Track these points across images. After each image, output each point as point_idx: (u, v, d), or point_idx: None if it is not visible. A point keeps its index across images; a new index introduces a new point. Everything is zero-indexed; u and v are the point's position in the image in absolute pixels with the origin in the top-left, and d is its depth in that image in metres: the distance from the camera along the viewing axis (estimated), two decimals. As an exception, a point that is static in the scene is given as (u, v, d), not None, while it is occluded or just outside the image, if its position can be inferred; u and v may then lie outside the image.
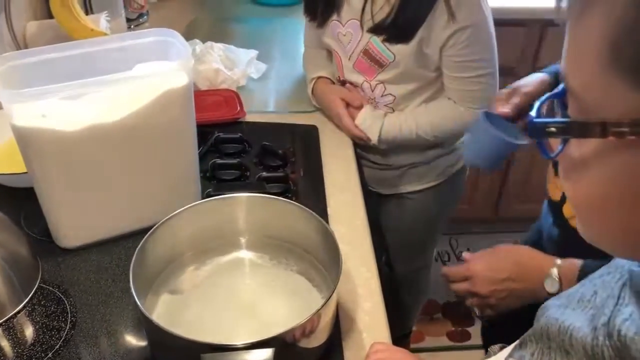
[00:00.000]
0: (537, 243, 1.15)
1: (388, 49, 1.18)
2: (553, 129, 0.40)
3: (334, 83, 1.34)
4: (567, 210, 0.91)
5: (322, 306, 0.72)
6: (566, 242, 0.93)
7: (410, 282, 1.68)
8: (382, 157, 1.38)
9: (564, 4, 0.39)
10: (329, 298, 0.73)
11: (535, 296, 0.86)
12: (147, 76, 0.86)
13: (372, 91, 1.26)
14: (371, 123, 1.26)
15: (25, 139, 0.83)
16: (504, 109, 1.07)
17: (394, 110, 1.28)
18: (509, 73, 2.06)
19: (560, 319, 0.50)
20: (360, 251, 0.99)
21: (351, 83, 1.29)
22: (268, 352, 0.67)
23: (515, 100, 1.07)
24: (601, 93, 0.37)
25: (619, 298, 0.45)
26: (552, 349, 0.51)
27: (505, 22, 1.91)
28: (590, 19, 0.36)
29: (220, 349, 0.67)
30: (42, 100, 0.81)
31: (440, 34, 1.15)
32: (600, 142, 0.37)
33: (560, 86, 0.43)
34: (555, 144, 0.42)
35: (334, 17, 1.24)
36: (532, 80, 1.11)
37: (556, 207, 0.96)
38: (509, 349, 0.60)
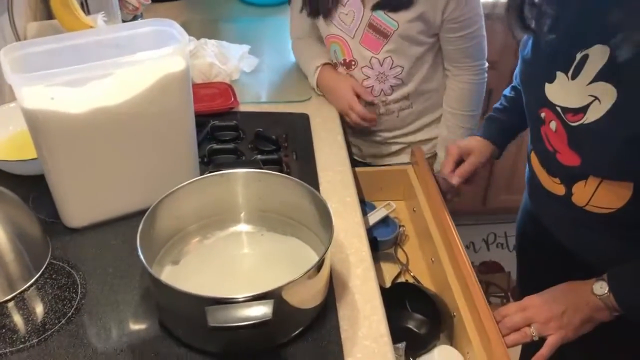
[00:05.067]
0: (532, 233, 1.21)
1: (391, 18, 1.28)
2: None
3: (335, 68, 1.42)
4: (577, 200, 0.95)
5: (316, 263, 0.78)
6: (586, 222, 0.97)
7: None
8: (387, 132, 1.49)
9: None
10: (322, 256, 0.79)
11: (593, 310, 0.92)
12: (146, 60, 0.91)
13: (381, 65, 1.35)
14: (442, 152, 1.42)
15: (35, 121, 0.88)
16: (453, 180, 1.24)
17: (403, 82, 1.37)
18: (491, 67, 2.15)
19: None
20: (351, 223, 1.05)
21: (359, 60, 1.37)
22: (268, 304, 0.72)
23: (464, 170, 1.23)
24: None
25: None
26: None
27: (488, 16, 1.99)
28: None
29: (222, 302, 0.72)
30: (49, 83, 0.86)
31: None
32: None
33: None
34: None
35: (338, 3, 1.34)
36: (478, 147, 1.24)
37: (564, 200, 0.98)
38: None
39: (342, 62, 1.40)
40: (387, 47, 1.32)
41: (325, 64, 1.42)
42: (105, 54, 0.91)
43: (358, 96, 1.37)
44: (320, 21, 1.38)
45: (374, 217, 1.25)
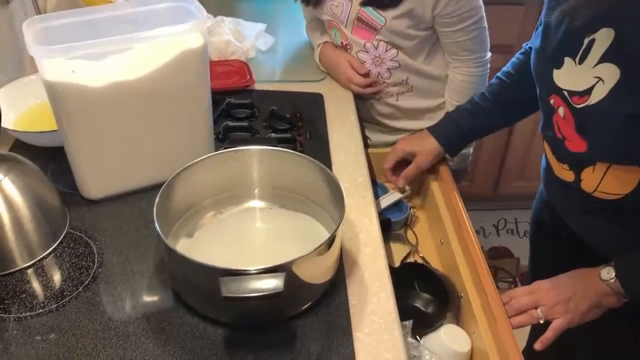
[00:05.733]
0: (547, 221, 1.22)
1: (379, 14, 1.28)
2: None
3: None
4: (586, 186, 0.96)
5: (328, 238, 0.80)
6: (595, 209, 0.98)
7: None
8: (391, 121, 1.49)
9: None
10: (335, 231, 0.81)
11: (601, 296, 0.93)
12: (165, 35, 0.93)
13: (376, 49, 1.35)
14: None
15: (55, 93, 0.90)
16: (399, 183, 1.26)
17: (400, 65, 1.37)
18: (508, 51, 2.14)
19: None
20: (362, 203, 1.06)
21: (354, 46, 1.38)
22: (279, 276, 0.74)
23: (408, 173, 1.25)
24: None
25: None
26: None
27: (506, 1, 1.98)
28: None
29: (236, 274, 0.74)
30: (70, 56, 0.88)
31: None
32: None
33: None
34: None
35: None
36: (424, 152, 1.24)
37: (574, 187, 0.98)
38: None
39: (340, 44, 1.42)
40: (378, 38, 1.33)
41: (327, 42, 1.45)
42: (124, 29, 0.93)
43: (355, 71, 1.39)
44: (317, 11, 1.39)
45: (385, 201, 1.27)
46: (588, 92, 0.86)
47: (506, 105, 1.20)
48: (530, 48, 1.15)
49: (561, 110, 0.93)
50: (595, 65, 0.85)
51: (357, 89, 1.39)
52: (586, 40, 0.85)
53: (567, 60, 0.90)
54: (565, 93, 0.91)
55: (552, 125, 0.97)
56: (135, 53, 0.93)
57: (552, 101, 0.95)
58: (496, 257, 2.34)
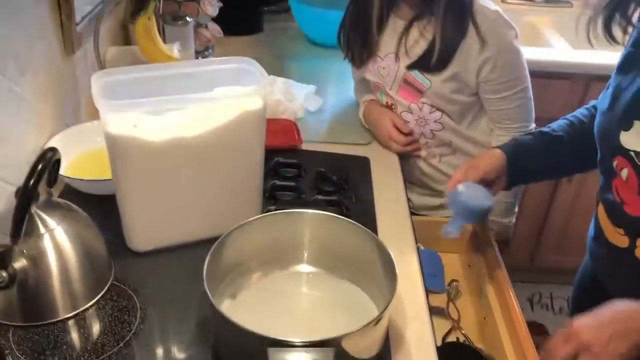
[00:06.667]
0: (591, 292, 1.17)
1: (425, 77, 1.30)
2: None
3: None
4: None
5: (380, 315, 0.78)
6: None
7: None
8: (435, 183, 1.48)
9: None
10: (386, 308, 0.79)
11: None
12: (226, 98, 0.95)
13: (421, 110, 1.37)
14: None
15: (116, 146, 0.91)
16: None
17: (444, 127, 1.37)
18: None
19: None
20: (408, 273, 1.04)
21: (398, 106, 1.40)
22: (328, 352, 0.72)
23: (472, 175, 1.12)
24: None
25: None
26: None
27: (552, 75, 1.98)
28: None
29: (284, 345, 0.72)
30: (134, 112, 0.90)
31: (475, 61, 1.25)
32: None
33: None
34: None
35: (372, 56, 1.38)
36: (489, 155, 1.16)
37: (627, 254, 0.95)
38: None
39: (385, 104, 1.44)
40: (422, 100, 1.35)
41: (372, 100, 1.47)
42: (187, 87, 0.94)
43: (398, 130, 1.39)
44: (364, 71, 1.43)
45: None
46: None
47: (575, 143, 1.12)
48: (595, 108, 1.12)
49: (624, 173, 0.91)
50: None
51: (396, 147, 1.39)
52: None
53: (637, 123, 0.89)
54: (632, 154, 0.90)
55: (611, 188, 0.96)
56: (196, 111, 0.94)
57: (615, 163, 0.93)
58: (529, 332, 2.25)
